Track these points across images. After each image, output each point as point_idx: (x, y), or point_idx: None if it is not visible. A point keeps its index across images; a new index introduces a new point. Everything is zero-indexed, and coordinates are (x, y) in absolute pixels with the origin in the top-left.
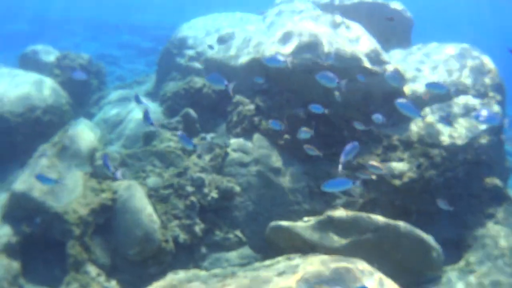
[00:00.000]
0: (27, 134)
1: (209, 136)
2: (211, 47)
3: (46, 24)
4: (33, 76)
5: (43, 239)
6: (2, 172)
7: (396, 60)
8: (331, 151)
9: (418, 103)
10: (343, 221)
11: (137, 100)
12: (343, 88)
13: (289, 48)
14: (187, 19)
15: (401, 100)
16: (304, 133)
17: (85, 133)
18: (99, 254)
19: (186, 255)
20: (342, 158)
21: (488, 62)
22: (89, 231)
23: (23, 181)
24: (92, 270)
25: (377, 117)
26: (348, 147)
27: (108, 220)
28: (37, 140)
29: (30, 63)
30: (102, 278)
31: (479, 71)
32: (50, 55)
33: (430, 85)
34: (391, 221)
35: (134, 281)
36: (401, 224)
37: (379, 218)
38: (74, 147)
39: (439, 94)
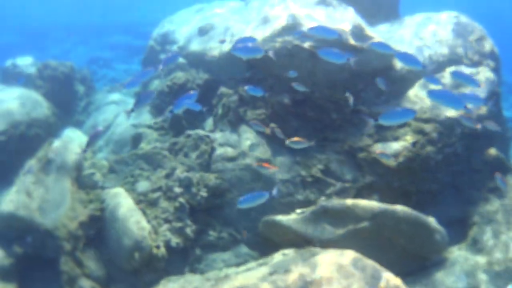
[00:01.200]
0: (13, 151)
1: (194, 132)
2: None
3: (31, 33)
4: (13, 90)
5: (38, 257)
6: None
7: (382, 34)
8: (321, 135)
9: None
10: (337, 210)
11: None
12: (353, 65)
13: (266, 32)
14: (172, 13)
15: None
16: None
17: (70, 144)
18: (93, 267)
19: (181, 258)
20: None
21: (479, 29)
22: (80, 245)
23: (10, 201)
24: (87, 284)
25: (380, 81)
26: None
27: (99, 230)
28: (24, 156)
29: (11, 77)
30: None
31: (470, 38)
32: (31, 66)
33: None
34: (388, 206)
35: None
36: (399, 208)
37: (375, 204)
38: (60, 160)
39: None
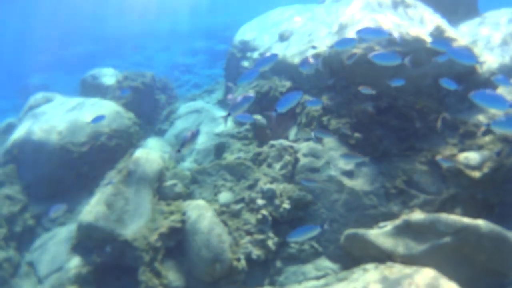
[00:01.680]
0: (93, 162)
1: (277, 142)
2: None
3: (111, 41)
4: (93, 102)
5: (117, 265)
6: (72, 203)
7: (463, 34)
8: (405, 145)
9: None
10: (419, 225)
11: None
12: (410, 65)
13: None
14: (254, 15)
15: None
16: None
17: (151, 155)
18: (172, 278)
19: (261, 270)
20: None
21: None
22: (159, 256)
23: (89, 212)
24: None
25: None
26: None
27: (180, 241)
28: (106, 166)
29: (90, 88)
30: None
31: None
32: (110, 77)
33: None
34: (471, 221)
35: None
36: (482, 223)
37: (458, 219)
38: (140, 171)
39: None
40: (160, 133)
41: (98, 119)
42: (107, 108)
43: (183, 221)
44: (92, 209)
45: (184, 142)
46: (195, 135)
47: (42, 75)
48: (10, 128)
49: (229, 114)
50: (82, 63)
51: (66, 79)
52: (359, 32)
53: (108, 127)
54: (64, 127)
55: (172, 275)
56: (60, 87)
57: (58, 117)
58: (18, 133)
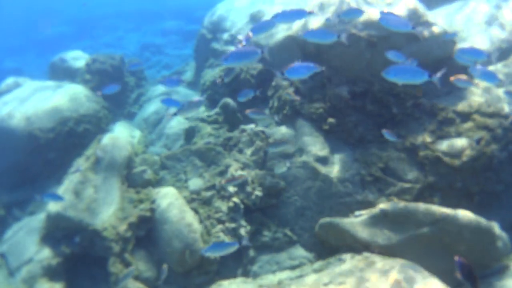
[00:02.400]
0: (61, 149)
1: (249, 127)
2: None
3: (84, 23)
4: (60, 86)
5: (87, 256)
6: (40, 191)
7: (442, 18)
8: (381, 131)
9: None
10: (397, 215)
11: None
12: (346, 43)
13: (320, 21)
14: None
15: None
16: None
17: (119, 140)
18: (143, 268)
19: (234, 260)
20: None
21: None
22: (129, 246)
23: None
24: (135, 286)
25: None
26: None
27: (150, 230)
28: (75, 153)
29: (59, 71)
30: None
31: None
32: (79, 60)
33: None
34: (450, 211)
35: None
36: (461, 213)
37: (437, 209)
38: (108, 158)
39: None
40: (130, 116)
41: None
42: (75, 92)
43: (152, 210)
44: None
45: (183, 106)
46: (199, 102)
47: (14, 58)
48: None
49: (175, 114)
50: (54, 44)
51: (39, 62)
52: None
53: (76, 112)
54: (31, 112)
55: (142, 265)
56: (32, 70)
57: (26, 102)
58: None
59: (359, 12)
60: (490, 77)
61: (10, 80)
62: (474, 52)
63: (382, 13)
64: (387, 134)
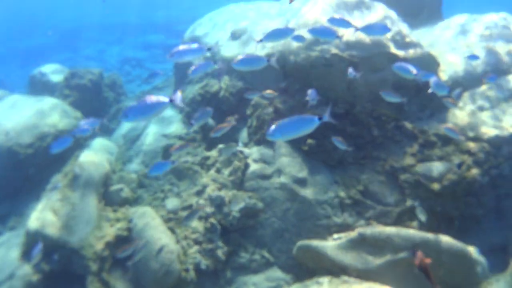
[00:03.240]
0: (41, 164)
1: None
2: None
3: (65, 34)
4: (39, 101)
5: (66, 273)
6: (19, 206)
7: (426, 40)
8: (361, 154)
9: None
10: (375, 239)
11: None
12: (276, 66)
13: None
14: (207, 11)
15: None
16: (339, 142)
17: (96, 157)
18: (121, 287)
19: (211, 280)
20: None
21: None
22: (107, 265)
23: (36, 218)
24: None
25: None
26: None
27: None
28: (53, 168)
29: (39, 85)
30: None
31: None
32: (58, 74)
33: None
34: (430, 236)
35: None
36: (442, 238)
37: (416, 234)
38: (85, 175)
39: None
40: (108, 132)
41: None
42: (54, 106)
43: (129, 229)
44: (39, 215)
45: (198, 117)
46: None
47: None
48: None
49: (191, 124)
50: (36, 55)
51: (20, 73)
52: (311, 31)
53: (54, 127)
54: (10, 127)
55: (120, 284)
56: (14, 81)
57: (5, 117)
58: None
59: (332, 33)
60: (442, 88)
61: None
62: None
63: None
64: (336, 141)
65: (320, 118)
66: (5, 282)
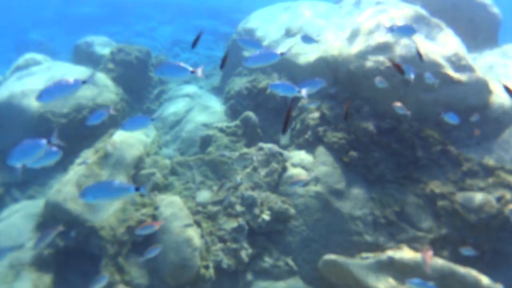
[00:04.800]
0: (72, 136)
1: (267, 146)
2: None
3: (117, 7)
4: (81, 72)
5: (80, 251)
6: (42, 176)
7: (481, 64)
8: (402, 173)
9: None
10: (404, 265)
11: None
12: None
13: (355, 48)
14: (264, 4)
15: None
16: None
17: (131, 139)
18: (135, 274)
19: (230, 281)
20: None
21: None
22: (124, 250)
23: (58, 191)
24: None
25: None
26: None
27: (148, 237)
28: (84, 143)
29: (83, 55)
30: None
31: None
32: (105, 47)
33: None
34: (459, 269)
35: None
36: (469, 273)
37: (445, 265)
38: (117, 155)
39: None
40: (148, 112)
41: None
42: (96, 80)
43: (154, 216)
44: (62, 188)
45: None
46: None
47: (41, 31)
48: None
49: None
50: (83, 24)
51: (65, 38)
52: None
53: (92, 100)
54: None
55: (135, 271)
56: (57, 46)
57: (43, 83)
58: None
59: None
60: (407, 31)
61: (28, 56)
62: None
63: None
64: None
65: (137, 189)
66: (13, 251)
